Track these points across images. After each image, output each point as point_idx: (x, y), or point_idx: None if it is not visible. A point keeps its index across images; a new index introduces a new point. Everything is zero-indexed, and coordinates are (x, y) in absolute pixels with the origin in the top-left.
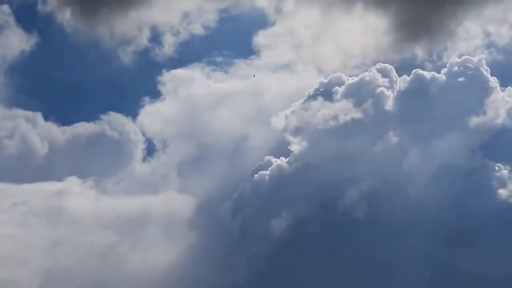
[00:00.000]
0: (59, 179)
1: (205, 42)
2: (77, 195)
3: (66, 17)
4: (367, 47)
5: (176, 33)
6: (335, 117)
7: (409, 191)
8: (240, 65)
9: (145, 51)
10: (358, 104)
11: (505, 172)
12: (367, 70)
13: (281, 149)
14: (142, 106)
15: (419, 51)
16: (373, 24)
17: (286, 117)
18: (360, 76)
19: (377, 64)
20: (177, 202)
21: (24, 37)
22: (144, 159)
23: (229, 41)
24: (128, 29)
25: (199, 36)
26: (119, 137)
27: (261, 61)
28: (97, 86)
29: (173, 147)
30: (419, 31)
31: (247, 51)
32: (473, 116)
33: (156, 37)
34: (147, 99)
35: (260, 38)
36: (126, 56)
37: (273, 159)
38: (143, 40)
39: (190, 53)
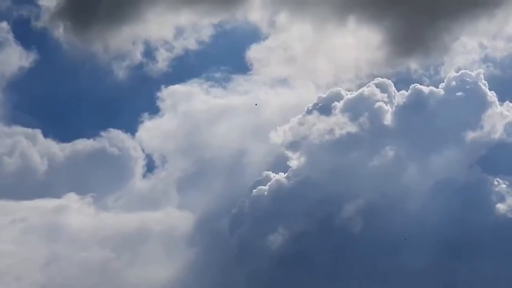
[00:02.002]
0: (58, 195)
1: (199, 57)
2: (75, 212)
3: (60, 32)
4: (361, 61)
5: (170, 48)
6: (333, 132)
7: (407, 205)
8: (239, 80)
9: (140, 66)
10: (356, 119)
11: (503, 186)
12: (363, 85)
13: (280, 164)
14: (141, 122)
15: (413, 65)
16: (366, 38)
17: (285, 132)
18: (359, 91)
19: (376, 79)
20: (176, 218)
21: (22, 54)
22: (144, 175)
23: (224, 56)
24: (122, 44)
25: (193, 51)
26: (119, 153)
27: (259, 76)
28: (96, 102)
29: (172, 162)
30: (413, 45)
31: (244, 66)
32: (471, 130)
33: (150, 52)
34: (146, 115)
35: (254, 52)
36: (121, 71)
37: (272, 174)
38: (137, 55)
39: (185, 68)
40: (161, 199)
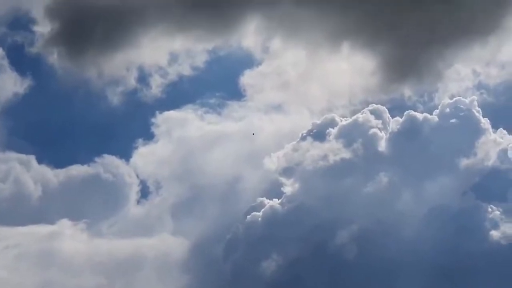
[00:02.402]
0: (51, 221)
1: (194, 83)
2: (69, 238)
3: (54, 58)
4: (355, 87)
5: (164, 74)
6: (327, 158)
7: (401, 232)
8: (233, 106)
9: (134, 92)
10: (351, 145)
11: (497, 213)
12: (357, 111)
13: (274, 191)
14: (136, 148)
15: (407, 92)
16: (360, 64)
17: (279, 158)
18: (353, 117)
19: (370, 105)
20: (171, 244)
21: (17, 80)
22: (138, 202)
23: (218, 82)
24: (116, 69)
25: (188, 77)
26: (113, 179)
27: (254, 102)
28: (90, 128)
29: (167, 188)
30: (407, 72)
31: (238, 92)
32: (465, 157)
33: (144, 78)
34: (140, 140)
35: (248, 78)
36: (115, 97)
37: (266, 201)
38: (132, 80)
39: (179, 94)
40: (155, 225)
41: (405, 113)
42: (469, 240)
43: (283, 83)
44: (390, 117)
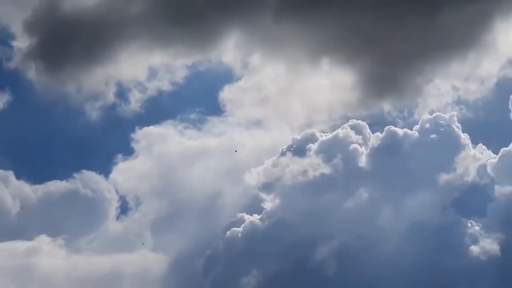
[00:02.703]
0: (29, 238)
1: (173, 98)
2: (47, 254)
3: (32, 73)
4: (335, 103)
5: (143, 89)
6: (307, 174)
7: (382, 247)
8: (213, 121)
9: (113, 107)
10: (331, 161)
11: (476, 228)
12: (336, 126)
13: (254, 206)
14: (115, 164)
15: (387, 107)
16: (340, 80)
17: (259, 174)
18: (334, 133)
19: (350, 120)
20: (150, 260)
21: None
22: (117, 217)
23: (197, 97)
24: (95, 84)
25: (167, 92)
26: (93, 195)
27: (234, 117)
28: (69, 143)
29: (146, 204)
30: (386, 87)
31: (218, 107)
32: (445, 173)
33: (123, 93)
34: (120, 156)
35: (227, 93)
36: (94, 112)
37: (246, 216)
38: (110, 95)
39: (158, 109)
40: (134, 241)
41: (385, 128)
42: (449, 255)
43: (263, 98)
44: (371, 133)
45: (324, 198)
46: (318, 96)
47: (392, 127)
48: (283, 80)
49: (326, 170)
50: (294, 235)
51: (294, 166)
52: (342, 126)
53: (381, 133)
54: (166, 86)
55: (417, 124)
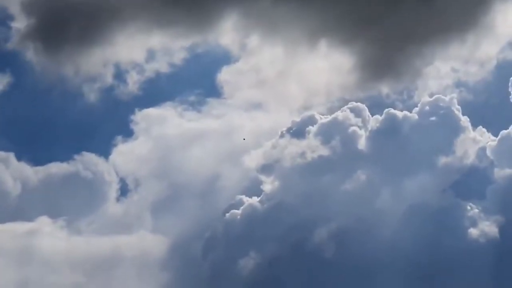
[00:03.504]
0: (30, 219)
1: (171, 80)
2: (47, 235)
3: (31, 54)
4: (332, 85)
5: (141, 71)
6: (305, 156)
7: (380, 230)
8: (213, 104)
9: (111, 89)
10: (330, 143)
11: (476, 211)
12: (334, 108)
13: (254, 189)
14: (115, 145)
15: (385, 89)
16: (338, 62)
17: (258, 156)
18: (333, 115)
19: (350, 103)
20: (150, 242)
21: None
22: (117, 199)
23: (196, 79)
24: (93, 66)
25: (165, 74)
26: (93, 177)
27: (233, 99)
28: (69, 125)
29: (146, 186)
30: (384, 70)
31: (217, 89)
32: (444, 155)
33: (121, 75)
34: (119, 138)
35: (225, 75)
36: (92, 94)
37: (245, 198)
38: (108, 77)
39: (156, 91)
40: (135, 223)
41: (384, 111)
42: (448, 238)
43: (261, 80)
44: (370, 115)
45: (323, 180)
46: (316, 79)
47: (392, 110)
48: (281, 62)
49: (325, 152)
50: (293, 217)
51: (293, 148)
52: (341, 109)
53: (380, 115)
54: (164, 68)
55: (417, 106)
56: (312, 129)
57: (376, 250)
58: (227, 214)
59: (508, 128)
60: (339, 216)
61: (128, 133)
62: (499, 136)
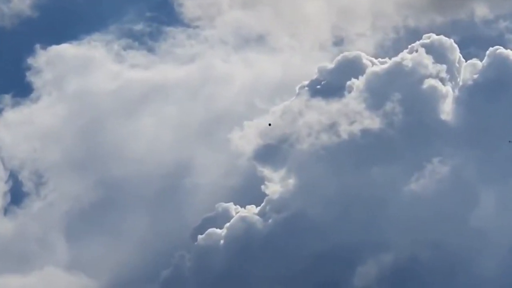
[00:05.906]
0: None
1: None
2: None
3: None
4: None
5: None
6: (341, 131)
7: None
8: (176, 36)
9: None
10: (386, 107)
11: None
12: (396, 45)
13: (248, 189)
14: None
15: (482, 10)
16: None
17: (257, 131)
18: (395, 58)
19: (424, 36)
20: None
21: None
22: (4, 211)
23: None
24: None
25: None
26: None
27: (211, 30)
28: None
29: (55, 186)
30: None
31: (181, 10)
32: None
33: None
34: (7, 98)
35: None
36: None
37: (233, 207)
38: None
39: (74, 15)
40: (35, 253)
41: (488, 51)
42: None
43: None
44: (462, 58)
45: (375, 175)
46: None
47: (501, 49)
48: None
49: (376, 124)
50: (319, 244)
51: (318, 117)
52: (408, 47)
53: (480, 59)
54: None
55: None
56: (356, 82)
57: None
58: (200, 238)
59: None
60: (408, 246)
61: (22, 90)
62: None
